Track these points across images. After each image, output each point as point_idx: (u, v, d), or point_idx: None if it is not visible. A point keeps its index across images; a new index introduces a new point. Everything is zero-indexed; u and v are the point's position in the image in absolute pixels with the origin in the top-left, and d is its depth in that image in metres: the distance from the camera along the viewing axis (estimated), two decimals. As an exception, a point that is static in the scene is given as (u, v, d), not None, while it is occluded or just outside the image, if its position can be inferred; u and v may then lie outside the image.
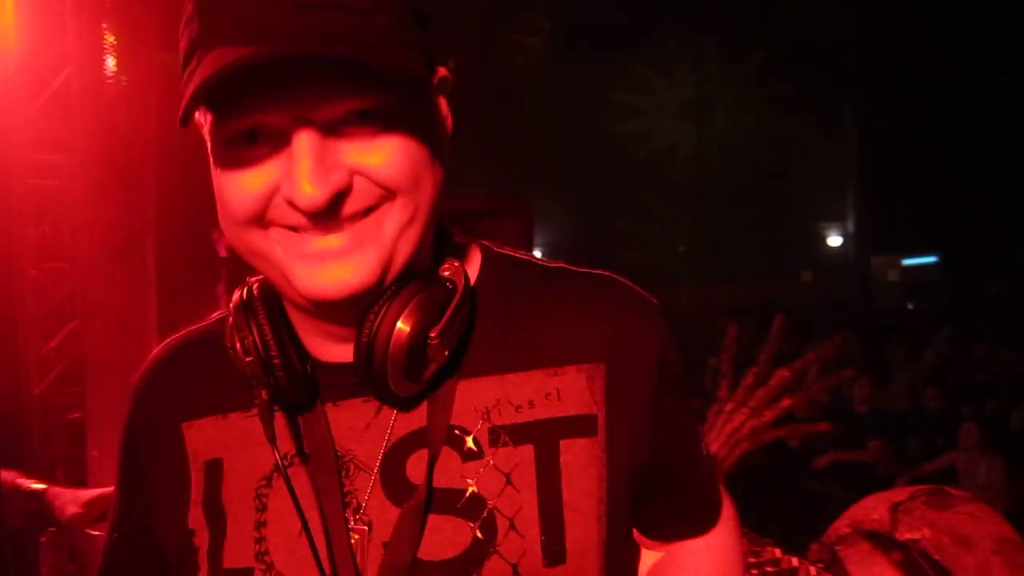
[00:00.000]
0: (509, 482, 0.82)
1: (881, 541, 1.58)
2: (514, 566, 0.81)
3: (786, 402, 1.88)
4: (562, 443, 0.84)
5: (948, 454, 6.18)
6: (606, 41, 14.42)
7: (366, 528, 0.82)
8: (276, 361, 0.81)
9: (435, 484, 0.82)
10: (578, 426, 0.84)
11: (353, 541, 0.82)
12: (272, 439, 0.82)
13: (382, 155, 0.75)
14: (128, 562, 0.96)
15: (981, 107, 16.48)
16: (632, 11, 14.46)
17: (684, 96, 15.98)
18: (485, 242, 0.95)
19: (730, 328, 2.02)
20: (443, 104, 0.83)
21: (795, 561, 1.34)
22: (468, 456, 0.83)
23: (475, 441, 0.83)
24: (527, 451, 0.83)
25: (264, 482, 0.87)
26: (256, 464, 0.87)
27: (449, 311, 0.80)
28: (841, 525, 1.49)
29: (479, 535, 0.81)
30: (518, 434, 0.83)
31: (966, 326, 11.08)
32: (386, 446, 0.84)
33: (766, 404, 1.88)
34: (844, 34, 14.93)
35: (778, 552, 1.37)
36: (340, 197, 0.74)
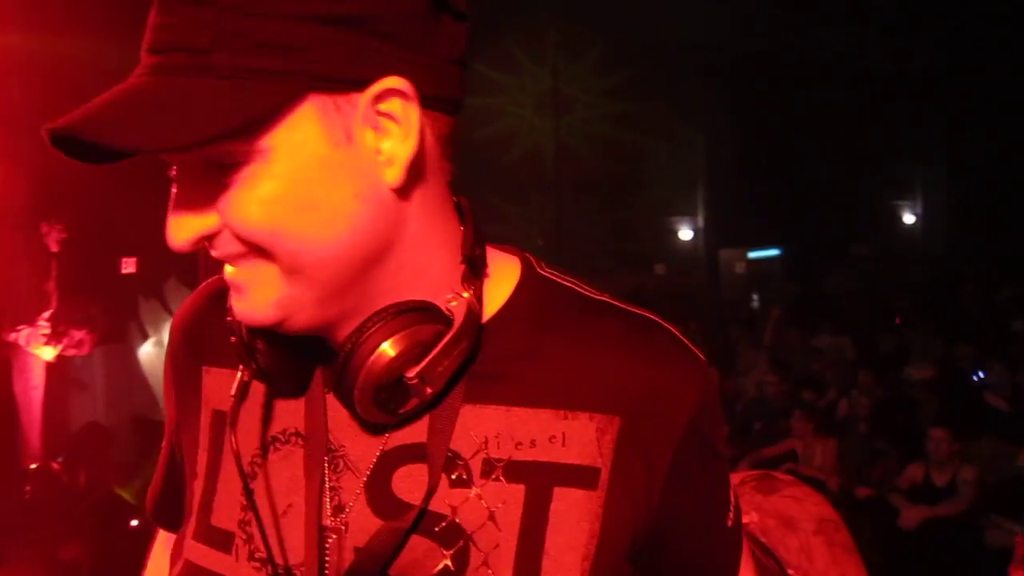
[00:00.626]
0: (492, 518, 0.78)
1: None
2: None
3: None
4: (556, 490, 0.79)
5: (789, 438, 6.54)
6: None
7: (343, 528, 0.80)
8: (259, 345, 0.79)
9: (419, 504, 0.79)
10: (578, 476, 0.79)
11: (329, 541, 0.80)
12: (266, 418, 0.83)
13: (234, 208, 0.69)
14: (169, 474, 1.00)
15: (824, 107, 17.51)
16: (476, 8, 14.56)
17: (534, 94, 16.19)
18: (530, 257, 0.89)
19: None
20: (363, 135, 0.72)
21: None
22: (456, 483, 0.79)
23: (467, 469, 0.79)
24: (518, 490, 0.79)
25: (259, 451, 0.85)
26: (254, 430, 0.86)
27: (434, 352, 0.75)
28: (677, 512, 1.54)
29: (450, 564, 0.78)
30: (512, 471, 0.79)
31: (806, 316, 11.77)
32: (379, 453, 0.81)
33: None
34: (692, 32, 15.51)
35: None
36: (214, 239, 0.72)
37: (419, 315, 0.76)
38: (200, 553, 0.86)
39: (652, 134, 16.70)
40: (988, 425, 6.15)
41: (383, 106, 0.71)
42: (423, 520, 0.78)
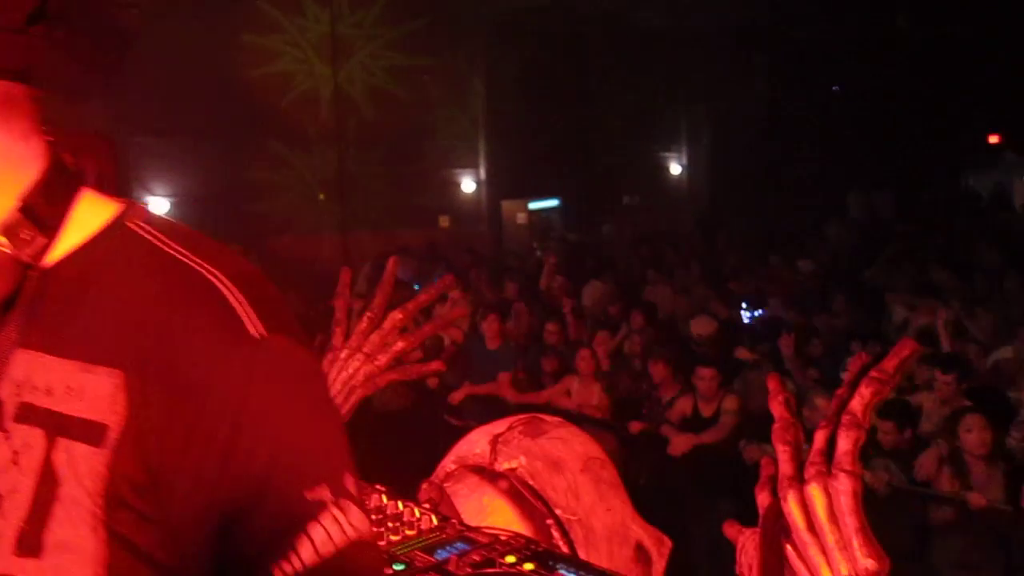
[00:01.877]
0: (16, 461, 0.78)
1: (488, 474, 1.63)
2: None
3: (400, 345, 1.87)
4: (62, 441, 0.77)
5: (567, 378, 6.77)
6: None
7: None
8: None
9: None
10: (84, 431, 0.77)
11: None
12: None
13: None
14: None
15: (598, 61, 18.10)
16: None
17: (315, 38, 15.60)
18: (132, 210, 0.87)
19: (343, 273, 1.97)
20: None
21: (400, 505, 1.32)
22: None
23: (2, 410, 0.79)
24: (38, 435, 0.78)
25: None
26: None
27: None
28: (448, 462, 1.51)
29: None
30: (35, 417, 0.78)
31: (583, 264, 12.26)
32: None
33: (381, 348, 1.86)
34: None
35: (384, 498, 1.35)
36: None
37: None
38: None
39: (434, 87, 16.60)
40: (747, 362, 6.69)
41: None
42: None
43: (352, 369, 1.82)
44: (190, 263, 0.81)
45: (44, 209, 0.82)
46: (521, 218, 18.24)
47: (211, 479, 0.77)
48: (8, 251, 0.79)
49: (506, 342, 7.02)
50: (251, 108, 13.64)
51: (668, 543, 1.47)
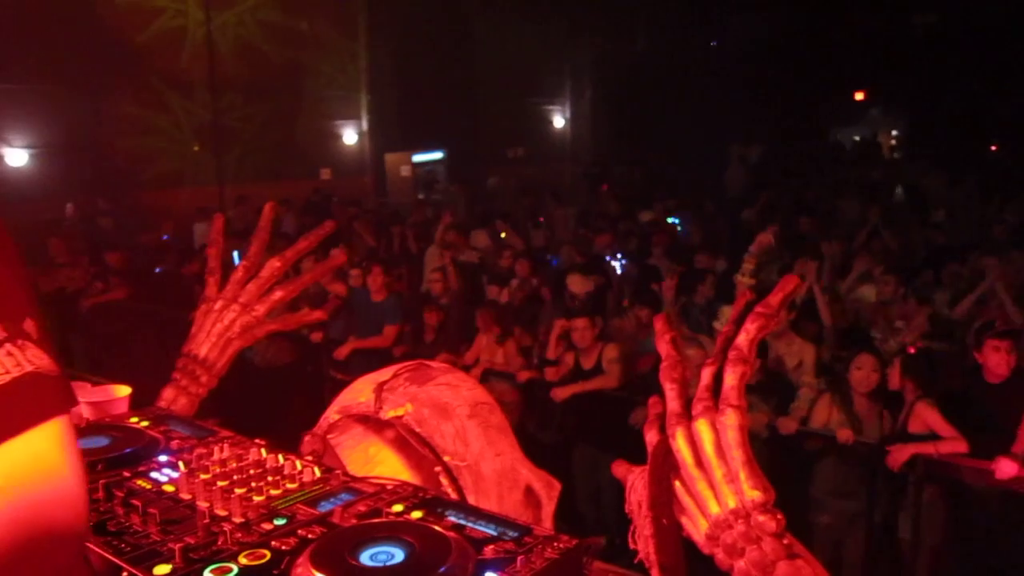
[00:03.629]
0: None
1: (372, 423, 1.59)
2: None
3: (278, 294, 1.79)
4: None
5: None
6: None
7: None
8: None
9: None
10: None
11: None
12: None
13: None
14: None
15: (481, 13, 17.88)
16: None
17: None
18: None
19: (215, 221, 1.86)
20: None
21: (280, 458, 1.26)
22: None
23: None
24: None
25: None
26: None
27: None
28: (331, 412, 1.45)
29: None
30: None
31: (470, 213, 12.21)
32: None
33: (258, 298, 1.78)
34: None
35: (263, 452, 1.29)
36: None
37: None
38: None
39: (316, 39, 16.07)
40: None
41: None
42: None
43: (228, 320, 1.74)
44: None
45: None
46: (405, 170, 17.99)
47: None
48: None
49: (392, 295, 6.92)
50: (117, 51, 12.88)
51: (557, 486, 1.47)
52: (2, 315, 0.81)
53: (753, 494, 0.92)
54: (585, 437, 5.92)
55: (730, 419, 0.95)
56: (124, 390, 1.71)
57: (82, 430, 1.39)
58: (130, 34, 13.43)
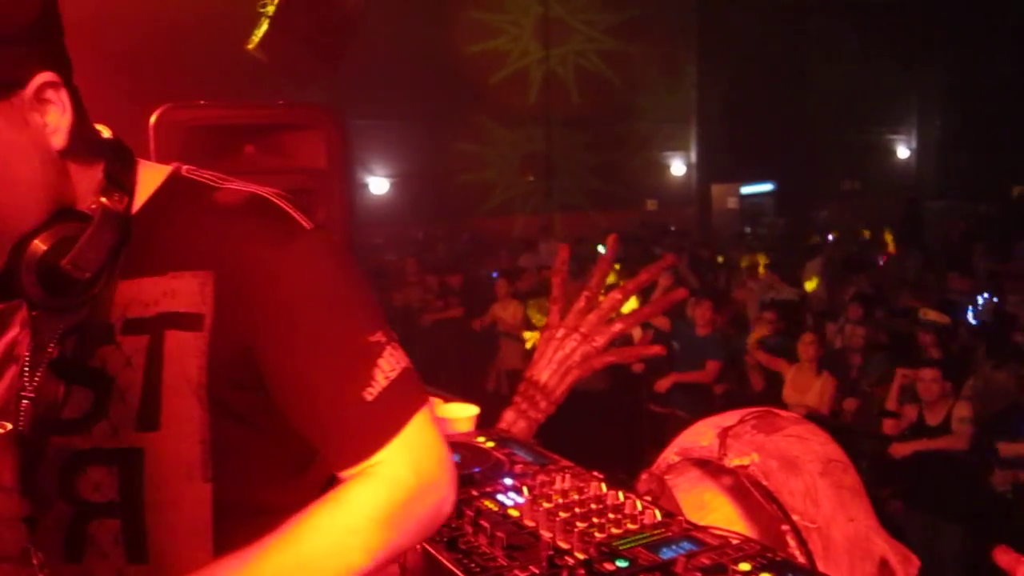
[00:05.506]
0: (128, 364, 1.02)
1: (711, 468, 1.52)
2: (115, 427, 1.02)
3: (618, 326, 1.79)
4: (168, 333, 1.01)
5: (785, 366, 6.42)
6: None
7: (34, 396, 1.06)
8: None
9: (79, 362, 1.04)
10: (185, 321, 1.01)
11: (23, 405, 1.06)
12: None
13: None
14: None
15: (817, 39, 17.15)
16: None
17: (533, 17, 15.74)
18: (182, 167, 1.11)
19: (560, 251, 1.91)
20: (34, 118, 0.97)
21: (620, 495, 1.24)
22: (105, 341, 1.04)
23: (111, 329, 1.04)
24: (143, 340, 1.02)
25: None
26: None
27: (80, 242, 1.01)
28: (670, 454, 1.41)
29: (97, 402, 1.03)
30: (140, 326, 1.03)
31: (798, 250, 11.66)
32: (62, 330, 1.06)
33: (598, 328, 1.79)
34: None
35: (603, 487, 1.27)
36: None
37: (63, 218, 1.01)
38: None
39: (645, 69, 16.35)
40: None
41: (44, 95, 0.97)
42: (83, 373, 1.04)
43: (569, 349, 1.77)
44: (240, 188, 1.06)
45: (122, 175, 1.07)
46: (731, 202, 17.64)
47: (291, 343, 0.99)
48: (109, 206, 1.04)
49: (716, 330, 6.77)
50: (463, 87, 13.97)
51: (916, 562, 1.31)
52: (380, 322, 1.03)
53: None
54: (922, 501, 5.34)
55: None
56: (473, 409, 1.79)
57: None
58: (479, 75, 14.51)
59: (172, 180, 1.10)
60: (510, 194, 15.73)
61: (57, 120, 0.99)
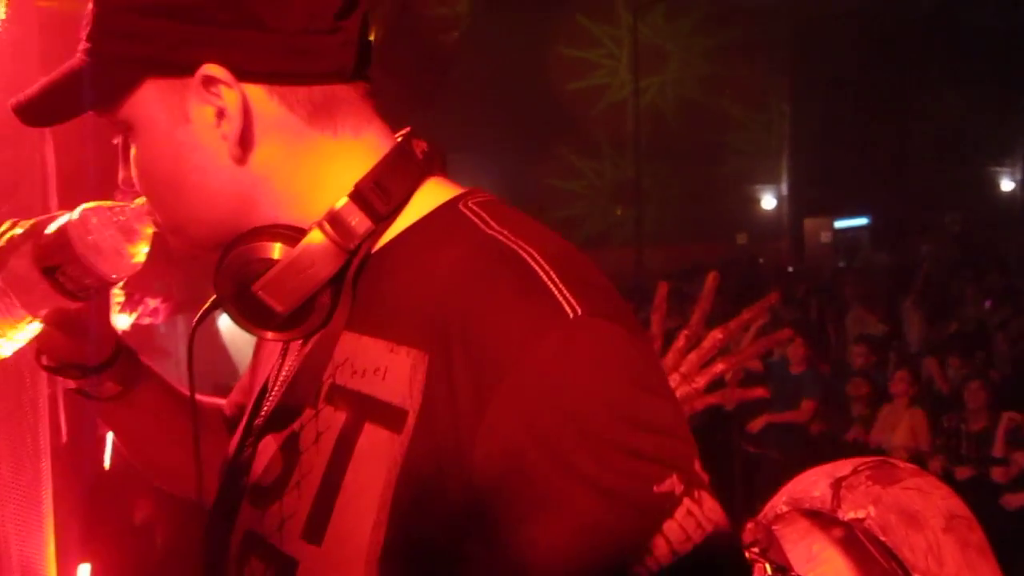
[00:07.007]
0: (317, 440, 0.79)
1: (822, 520, 1.45)
2: (283, 520, 0.80)
3: (719, 366, 1.73)
4: (367, 426, 0.75)
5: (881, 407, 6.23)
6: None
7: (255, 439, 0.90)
8: None
9: (287, 418, 0.84)
10: (387, 415, 0.74)
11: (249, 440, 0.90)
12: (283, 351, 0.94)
13: (134, 167, 0.86)
14: None
15: (915, 68, 16.70)
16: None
17: (627, 48, 15.81)
18: (470, 195, 0.85)
19: (660, 288, 1.87)
20: (203, 110, 0.80)
21: (728, 547, 1.19)
22: (309, 402, 0.82)
23: (319, 389, 0.81)
24: (340, 418, 0.78)
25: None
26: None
27: (275, 269, 0.81)
28: (778, 502, 1.35)
29: (282, 477, 0.82)
30: (343, 398, 0.79)
31: (895, 285, 11.27)
32: (279, 371, 0.91)
33: (699, 369, 1.74)
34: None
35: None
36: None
37: (267, 237, 0.82)
38: None
39: (737, 100, 16.19)
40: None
41: (213, 89, 0.79)
42: (280, 431, 0.84)
43: (668, 389, 1.72)
44: (507, 242, 0.76)
45: (375, 196, 0.82)
46: (825, 236, 17.23)
47: (518, 496, 0.67)
48: (328, 238, 0.81)
49: (811, 368, 6.59)
50: (552, 120, 14.08)
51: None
52: (672, 461, 0.69)
53: None
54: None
55: None
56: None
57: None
58: (571, 103, 14.60)
59: (444, 211, 0.82)
60: (597, 227, 15.72)
61: (226, 124, 0.82)
